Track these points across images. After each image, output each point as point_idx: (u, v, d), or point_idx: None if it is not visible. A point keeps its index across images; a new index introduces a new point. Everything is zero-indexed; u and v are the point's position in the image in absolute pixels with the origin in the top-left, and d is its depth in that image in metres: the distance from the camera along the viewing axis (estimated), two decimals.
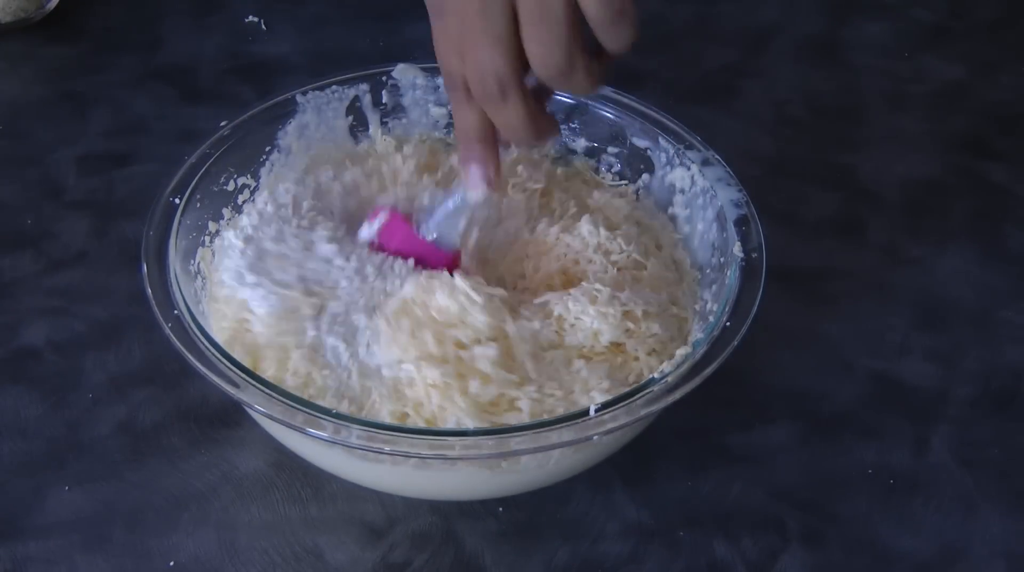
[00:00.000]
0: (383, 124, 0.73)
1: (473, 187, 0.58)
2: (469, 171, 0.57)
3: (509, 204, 0.67)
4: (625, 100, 0.70)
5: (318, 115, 0.70)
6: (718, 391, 0.60)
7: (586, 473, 0.60)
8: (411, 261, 0.62)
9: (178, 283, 0.58)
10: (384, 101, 0.72)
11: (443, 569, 0.58)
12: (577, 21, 0.48)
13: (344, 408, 0.55)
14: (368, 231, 0.63)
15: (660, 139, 0.68)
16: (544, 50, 0.49)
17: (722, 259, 0.62)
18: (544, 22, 0.48)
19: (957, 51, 0.98)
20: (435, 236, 0.62)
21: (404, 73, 0.72)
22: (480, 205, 0.60)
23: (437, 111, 0.73)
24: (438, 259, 0.62)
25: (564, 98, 0.71)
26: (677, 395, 0.53)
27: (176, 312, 0.56)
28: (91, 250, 0.75)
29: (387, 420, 0.55)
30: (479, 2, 0.49)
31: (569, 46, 0.49)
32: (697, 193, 0.66)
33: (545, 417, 0.55)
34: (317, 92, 0.70)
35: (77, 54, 0.92)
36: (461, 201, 0.60)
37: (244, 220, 0.64)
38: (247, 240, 0.62)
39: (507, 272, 0.64)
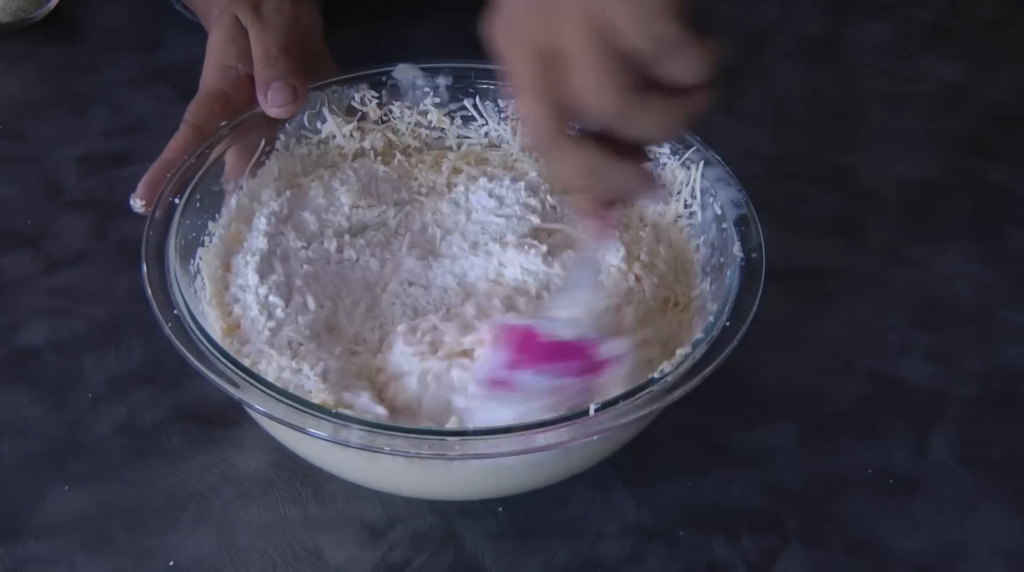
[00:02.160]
0: (383, 122, 0.73)
1: (597, 237, 0.54)
2: (587, 225, 0.53)
3: None
4: None
5: (318, 116, 0.71)
6: (718, 391, 0.60)
7: (586, 473, 0.60)
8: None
9: (178, 283, 0.58)
10: (384, 101, 0.72)
11: (443, 569, 0.58)
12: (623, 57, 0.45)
13: None
14: (488, 364, 0.55)
15: None
16: (591, 93, 0.45)
17: (722, 259, 0.62)
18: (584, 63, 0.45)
19: (957, 51, 0.98)
20: (573, 324, 0.55)
21: (404, 73, 0.72)
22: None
23: (436, 112, 0.73)
24: (584, 355, 0.54)
25: None
26: (677, 395, 0.53)
27: (176, 312, 0.56)
28: (91, 250, 0.75)
29: None
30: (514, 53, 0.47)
31: (616, 84, 0.45)
32: (697, 193, 0.66)
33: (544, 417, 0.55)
34: (317, 92, 0.70)
35: (77, 54, 0.92)
36: (589, 264, 0.56)
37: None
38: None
39: None
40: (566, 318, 0.55)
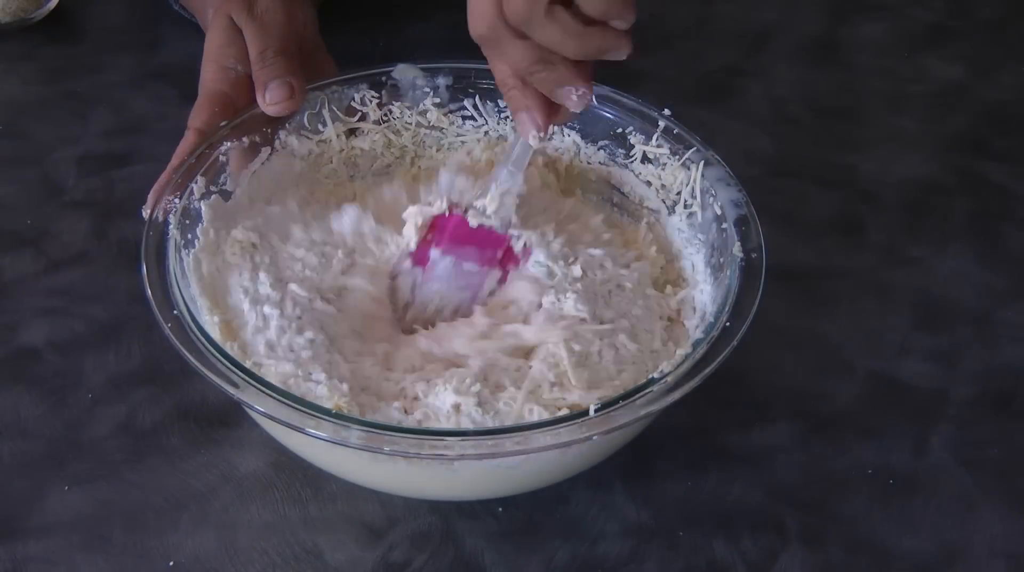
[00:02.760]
0: (383, 122, 0.73)
1: (524, 133, 0.61)
2: (519, 119, 0.60)
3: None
4: (625, 100, 0.70)
5: (318, 115, 0.71)
6: (718, 391, 0.60)
7: (586, 473, 0.60)
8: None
9: (178, 283, 0.58)
10: (384, 101, 0.72)
11: (443, 569, 0.58)
12: None
13: None
14: (412, 232, 0.64)
15: (660, 139, 0.68)
16: None
17: (722, 259, 0.62)
18: None
19: (957, 51, 0.98)
20: (491, 214, 0.64)
21: (404, 73, 0.72)
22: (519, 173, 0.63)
23: (436, 112, 0.73)
24: (495, 243, 0.63)
25: None
26: (677, 395, 0.53)
27: (176, 312, 0.56)
28: (91, 250, 0.75)
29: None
30: None
31: None
32: (697, 193, 0.66)
33: (545, 417, 0.55)
34: (317, 92, 0.70)
35: (77, 54, 0.92)
36: (515, 161, 0.63)
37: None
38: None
39: None
40: (491, 210, 0.64)
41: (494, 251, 0.64)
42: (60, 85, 0.89)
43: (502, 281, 0.64)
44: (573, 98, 0.57)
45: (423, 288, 0.64)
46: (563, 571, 0.59)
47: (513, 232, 0.64)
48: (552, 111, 0.60)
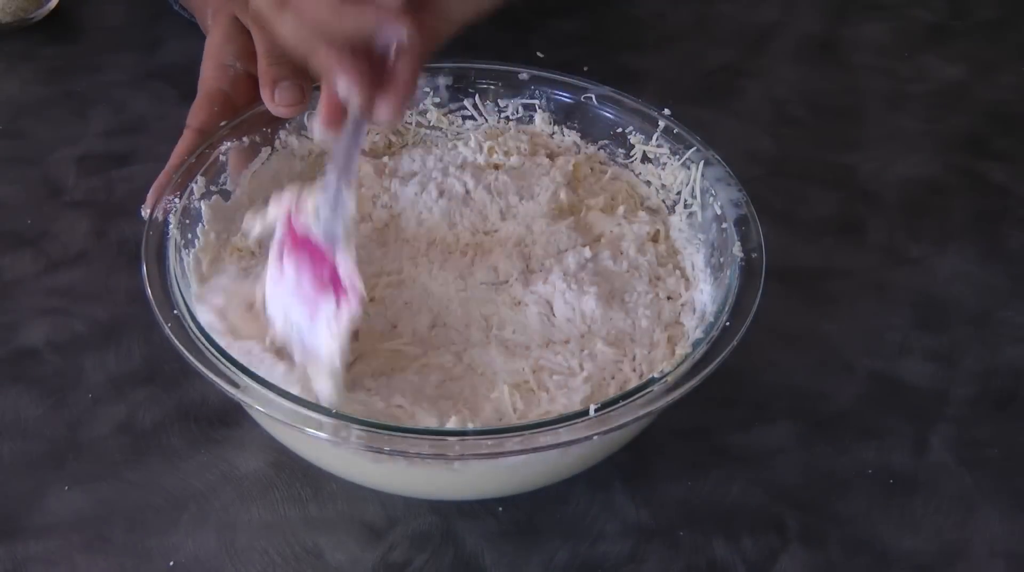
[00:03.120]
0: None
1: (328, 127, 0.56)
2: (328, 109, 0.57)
3: None
4: (625, 100, 0.70)
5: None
6: (718, 391, 0.60)
7: (586, 473, 0.60)
8: None
9: (178, 283, 0.58)
10: None
11: (443, 569, 0.58)
12: None
13: None
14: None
15: (660, 139, 0.68)
16: None
17: (722, 259, 0.62)
18: None
19: (957, 51, 0.98)
20: (311, 213, 0.56)
21: None
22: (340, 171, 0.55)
23: (436, 112, 0.73)
24: (321, 260, 0.56)
25: (563, 97, 0.71)
26: (677, 395, 0.53)
27: (176, 312, 0.56)
28: (91, 250, 0.75)
29: None
30: None
31: None
32: (697, 193, 0.66)
33: (545, 418, 0.55)
34: (317, 92, 0.70)
35: (77, 54, 0.92)
36: (339, 165, 0.56)
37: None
38: None
39: None
40: (312, 209, 0.56)
41: (322, 270, 0.55)
42: (60, 85, 0.89)
43: (337, 319, 0.55)
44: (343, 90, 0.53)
45: (273, 296, 0.58)
46: (563, 571, 0.59)
47: (340, 258, 0.55)
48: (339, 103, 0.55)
